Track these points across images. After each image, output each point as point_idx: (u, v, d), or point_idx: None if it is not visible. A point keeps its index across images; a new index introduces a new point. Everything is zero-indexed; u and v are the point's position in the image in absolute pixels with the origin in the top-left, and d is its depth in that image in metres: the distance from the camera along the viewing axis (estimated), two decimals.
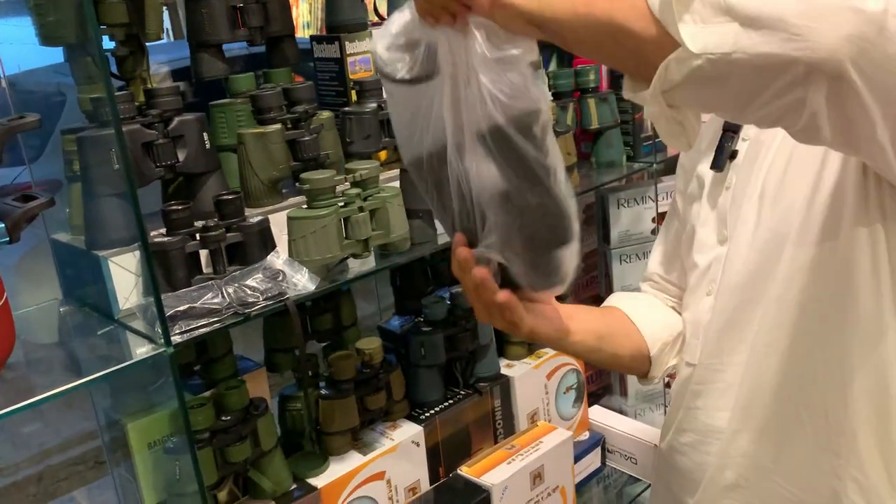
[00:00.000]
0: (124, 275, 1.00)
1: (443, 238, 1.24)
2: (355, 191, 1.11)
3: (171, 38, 2.93)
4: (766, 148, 0.86)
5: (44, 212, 1.13)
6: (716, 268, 0.91)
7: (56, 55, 1.11)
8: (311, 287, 1.05)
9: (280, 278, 1.04)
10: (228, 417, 1.17)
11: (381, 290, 1.80)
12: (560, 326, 0.88)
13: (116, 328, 1.01)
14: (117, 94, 1.04)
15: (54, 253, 1.12)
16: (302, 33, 4.07)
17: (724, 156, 0.90)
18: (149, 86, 1.15)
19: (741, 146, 0.90)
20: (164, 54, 1.18)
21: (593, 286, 1.90)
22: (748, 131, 0.89)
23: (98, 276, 1.02)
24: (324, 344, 1.42)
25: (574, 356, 1.59)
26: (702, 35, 0.55)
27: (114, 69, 1.14)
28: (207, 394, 1.20)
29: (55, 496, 2.14)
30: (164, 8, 1.18)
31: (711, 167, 0.92)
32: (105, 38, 1.11)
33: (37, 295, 1.13)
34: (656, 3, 0.56)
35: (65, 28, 1.05)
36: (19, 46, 1.13)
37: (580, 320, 0.93)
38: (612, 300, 1.11)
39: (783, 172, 0.82)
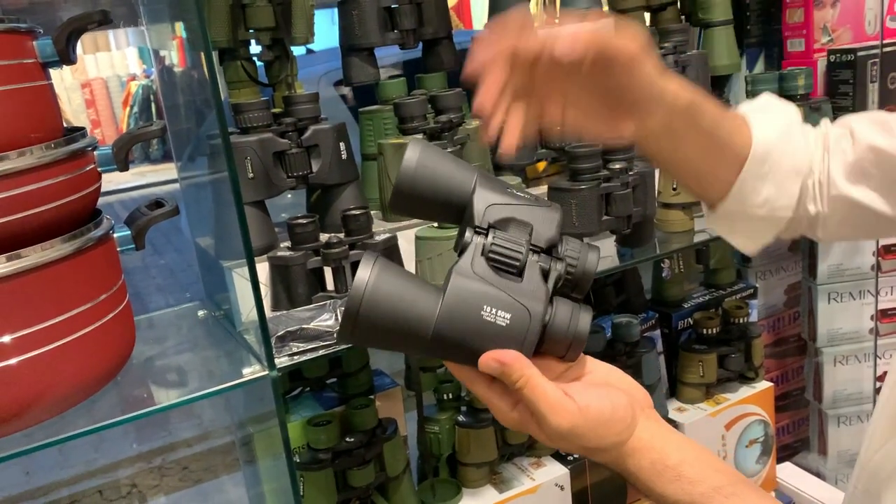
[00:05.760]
0: (248, 287, 0.97)
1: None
2: None
3: None
4: None
5: (190, 216, 1.16)
6: None
7: None
8: None
9: None
10: (353, 439, 1.12)
11: None
12: None
13: (238, 341, 0.99)
14: (255, 101, 1.01)
15: (198, 256, 1.14)
16: None
17: None
18: (294, 92, 1.12)
19: None
20: None
21: (794, 324, 1.63)
22: None
23: (226, 285, 1.00)
24: None
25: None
26: None
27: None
28: (336, 411, 1.16)
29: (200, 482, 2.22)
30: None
31: None
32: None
33: (180, 297, 1.15)
34: None
35: (215, 31, 1.05)
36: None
37: None
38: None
39: None
